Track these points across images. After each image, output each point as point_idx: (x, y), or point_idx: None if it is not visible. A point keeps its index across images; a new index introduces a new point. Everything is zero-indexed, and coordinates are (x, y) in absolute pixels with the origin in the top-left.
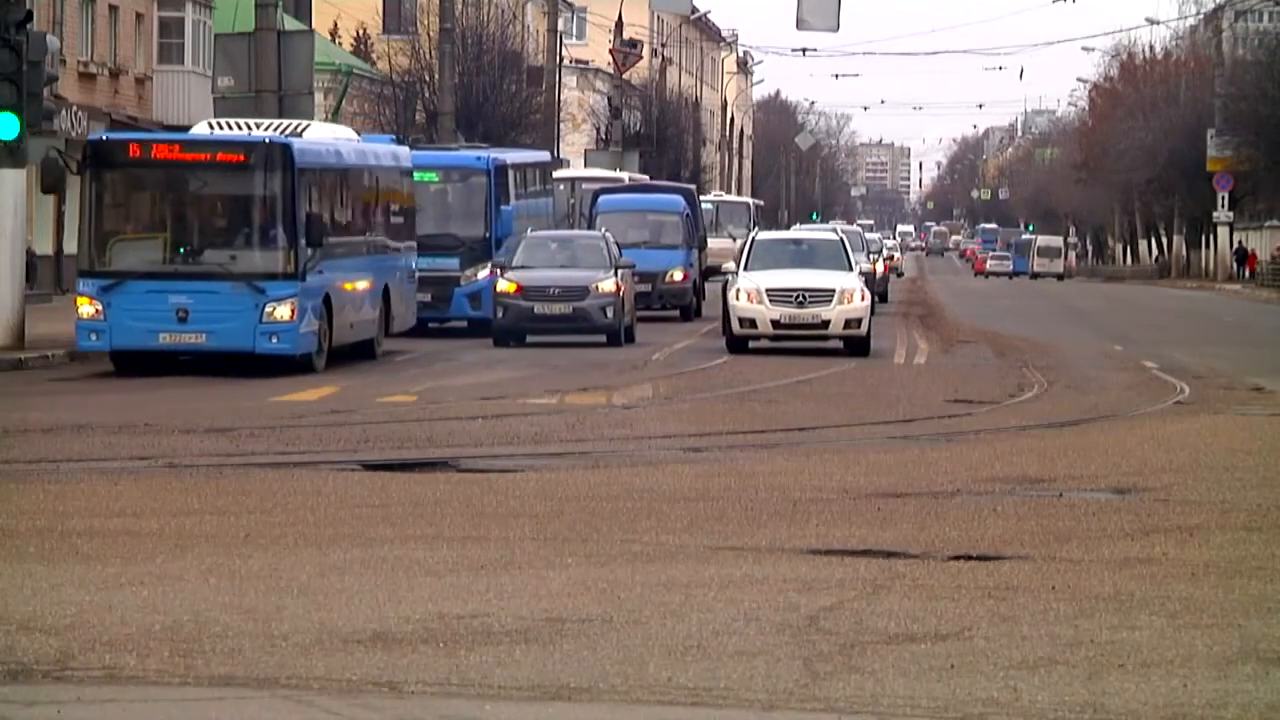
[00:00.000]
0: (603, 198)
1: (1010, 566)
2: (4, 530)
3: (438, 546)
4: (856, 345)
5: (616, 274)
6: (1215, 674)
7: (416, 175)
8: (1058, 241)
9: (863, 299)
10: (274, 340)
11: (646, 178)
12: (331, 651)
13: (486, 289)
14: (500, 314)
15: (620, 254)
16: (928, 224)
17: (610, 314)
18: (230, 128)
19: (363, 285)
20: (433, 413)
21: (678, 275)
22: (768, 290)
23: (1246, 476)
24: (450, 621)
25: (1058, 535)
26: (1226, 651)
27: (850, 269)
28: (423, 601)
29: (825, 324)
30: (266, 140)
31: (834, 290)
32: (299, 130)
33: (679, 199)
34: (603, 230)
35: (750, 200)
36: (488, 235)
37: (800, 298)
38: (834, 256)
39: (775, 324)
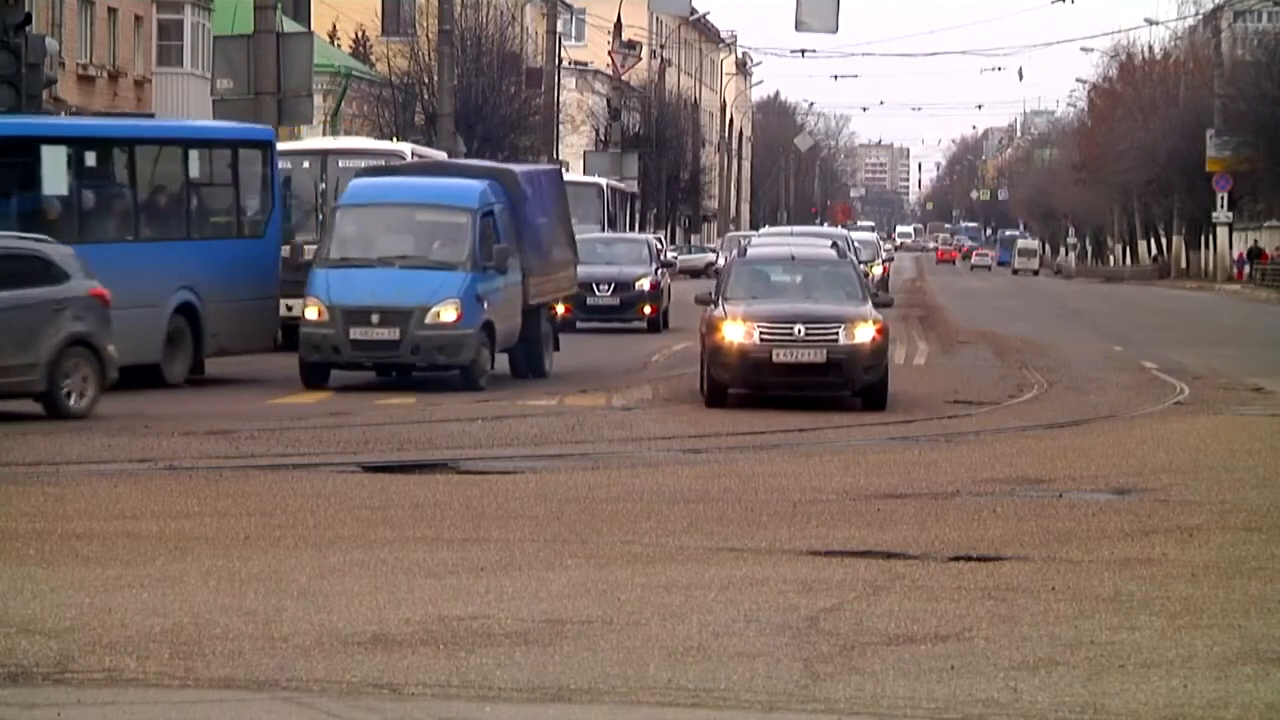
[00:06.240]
0: (355, 182)
1: (1010, 567)
2: (4, 533)
3: (437, 548)
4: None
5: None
6: (1215, 674)
7: None
8: (1035, 243)
9: None
10: None
11: (443, 155)
12: (331, 653)
13: None
14: None
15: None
16: (916, 225)
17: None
18: None
19: None
20: (432, 414)
21: (447, 315)
22: None
23: (1246, 476)
24: (450, 623)
25: (1058, 536)
26: (1226, 652)
27: None
28: (423, 603)
29: None
30: None
31: None
32: None
33: (476, 188)
34: (307, 237)
35: (604, 181)
36: None
37: None
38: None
39: None
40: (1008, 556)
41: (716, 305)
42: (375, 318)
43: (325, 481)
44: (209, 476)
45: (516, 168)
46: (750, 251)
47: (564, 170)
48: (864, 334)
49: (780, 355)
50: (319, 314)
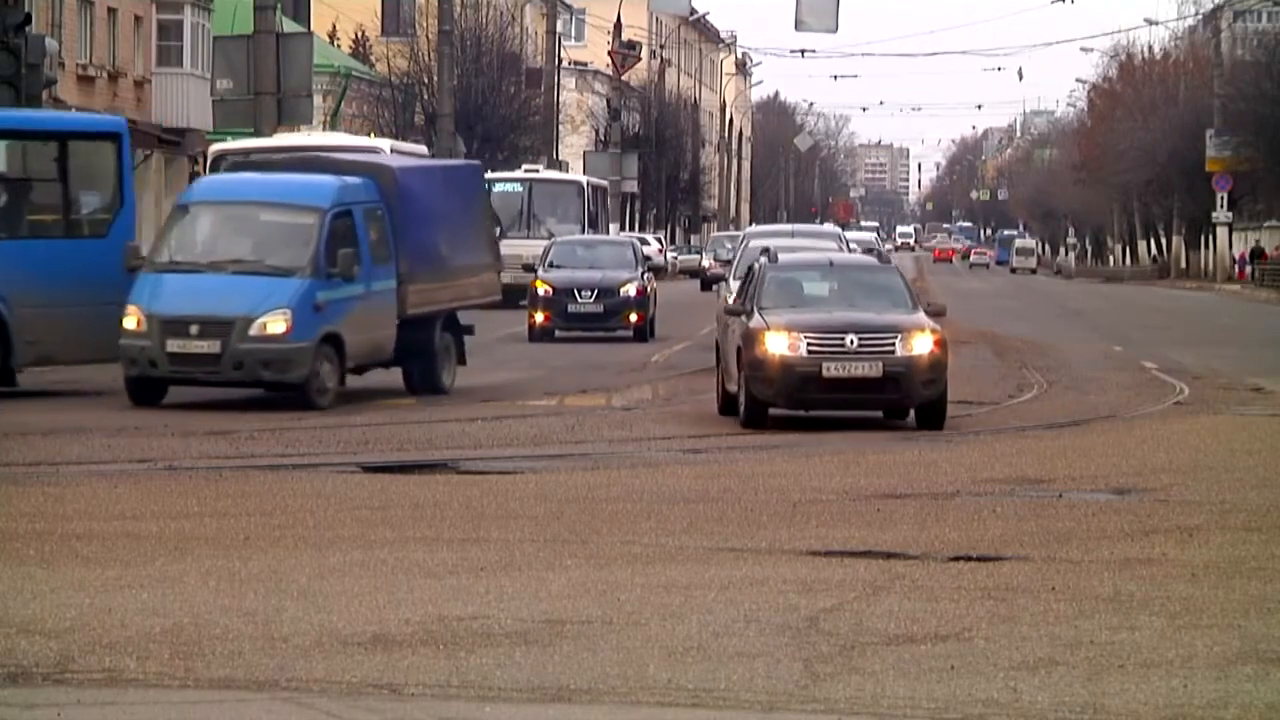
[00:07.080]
0: (202, 179)
1: (1010, 567)
2: (3, 533)
3: (437, 548)
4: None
5: None
6: (1215, 674)
7: None
8: (1033, 243)
9: None
10: None
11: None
12: (331, 654)
13: None
14: None
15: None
16: (916, 225)
17: None
18: None
19: None
20: (432, 414)
21: (275, 326)
22: None
23: (1246, 476)
24: (450, 623)
25: (1058, 536)
26: (1226, 652)
27: None
28: (422, 603)
29: None
30: None
31: None
32: None
33: (331, 186)
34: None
35: (584, 179)
36: None
37: None
38: None
39: None
40: (1008, 556)
41: (751, 315)
42: (194, 329)
43: (325, 481)
44: (209, 476)
45: (397, 163)
46: (782, 257)
47: (564, 169)
48: (922, 345)
49: (831, 369)
50: (137, 324)
